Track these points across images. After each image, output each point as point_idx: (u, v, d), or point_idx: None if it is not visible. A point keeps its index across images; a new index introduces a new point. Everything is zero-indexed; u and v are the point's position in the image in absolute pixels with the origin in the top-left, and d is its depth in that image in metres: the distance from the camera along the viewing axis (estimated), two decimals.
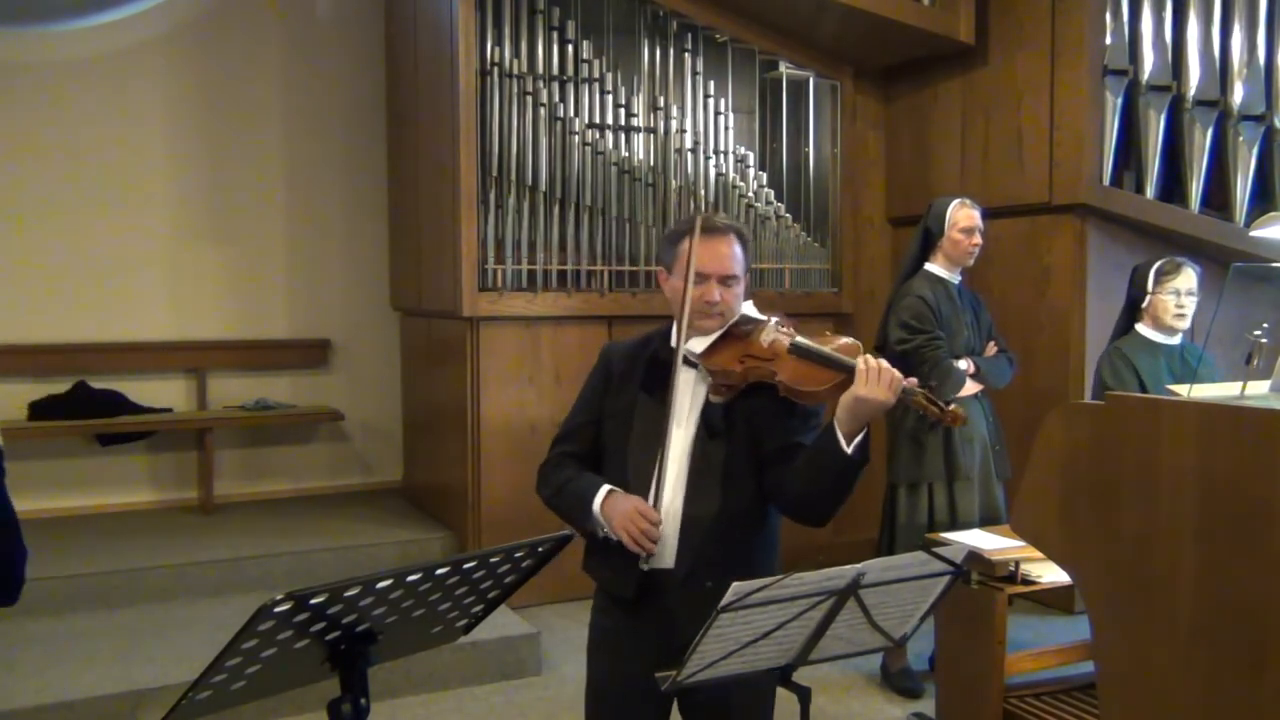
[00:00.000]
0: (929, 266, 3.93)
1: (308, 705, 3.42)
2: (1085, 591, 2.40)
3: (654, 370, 2.17)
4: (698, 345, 2.14)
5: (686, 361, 2.13)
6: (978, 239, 3.88)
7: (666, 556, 2.09)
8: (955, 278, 3.93)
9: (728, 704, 2.03)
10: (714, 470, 2.08)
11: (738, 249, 2.15)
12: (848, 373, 1.97)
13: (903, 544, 3.80)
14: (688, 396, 2.12)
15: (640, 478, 2.12)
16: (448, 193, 4.75)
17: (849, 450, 1.94)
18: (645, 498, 2.08)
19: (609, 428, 2.20)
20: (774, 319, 2.16)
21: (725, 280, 2.13)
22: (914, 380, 1.98)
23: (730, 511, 2.08)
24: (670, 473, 2.08)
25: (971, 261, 3.91)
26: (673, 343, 2.16)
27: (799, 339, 2.10)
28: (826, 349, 2.05)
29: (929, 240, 3.94)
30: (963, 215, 3.85)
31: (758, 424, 2.10)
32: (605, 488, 2.11)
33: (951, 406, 1.99)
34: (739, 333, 2.14)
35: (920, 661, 3.97)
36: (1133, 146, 4.84)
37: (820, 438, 1.99)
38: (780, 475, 2.07)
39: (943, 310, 3.81)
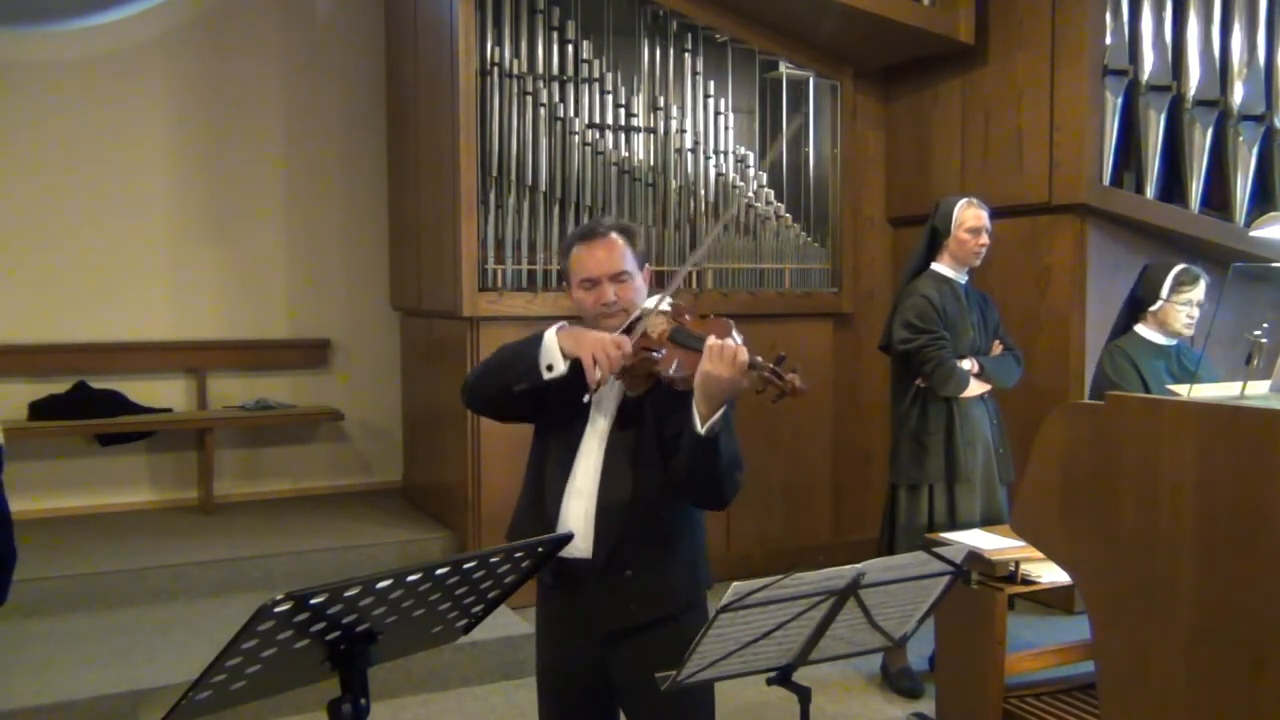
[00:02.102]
0: (935, 266, 3.93)
1: (308, 705, 3.42)
2: (1085, 592, 2.40)
3: (574, 370, 2.19)
4: None
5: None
6: (984, 239, 3.87)
7: (585, 545, 2.12)
8: (962, 277, 3.92)
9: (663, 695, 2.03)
10: (625, 457, 2.13)
11: (622, 247, 2.19)
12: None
13: (903, 544, 3.79)
14: (609, 389, 2.17)
15: (561, 470, 2.17)
16: (448, 193, 4.75)
17: (701, 430, 1.95)
18: (561, 488, 2.14)
19: (545, 419, 2.25)
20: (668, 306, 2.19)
21: (615, 278, 2.17)
22: (760, 357, 1.98)
23: (643, 497, 2.12)
24: (586, 465, 2.13)
25: (978, 261, 3.92)
26: None
27: (677, 326, 2.12)
28: (694, 332, 2.07)
29: (936, 240, 3.94)
30: (969, 215, 3.85)
31: (660, 412, 2.13)
32: (561, 321, 2.15)
33: (789, 377, 1.97)
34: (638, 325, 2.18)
35: (921, 662, 3.97)
36: (1133, 146, 4.84)
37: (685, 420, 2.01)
38: (670, 463, 2.11)
39: (948, 310, 3.81)
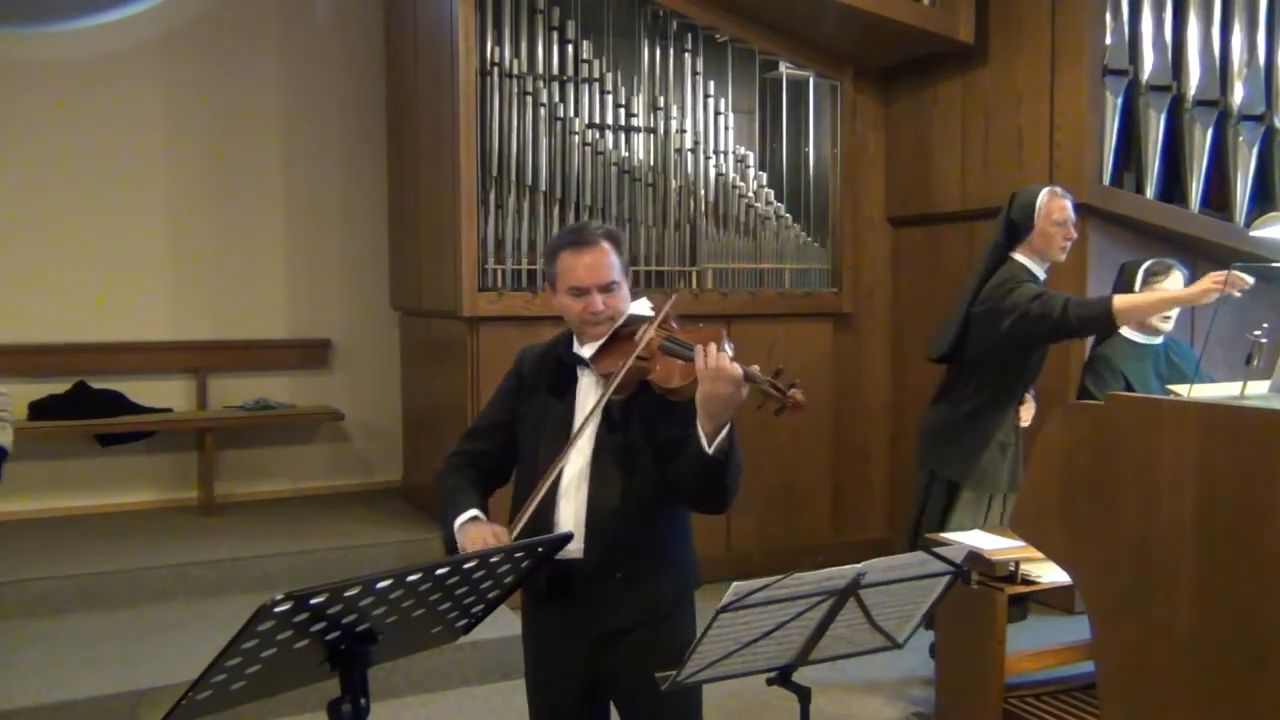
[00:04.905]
0: (1018, 257, 3.65)
1: (308, 705, 3.42)
2: (1085, 591, 2.40)
3: (559, 375, 2.24)
4: (588, 350, 2.19)
5: (581, 364, 2.20)
6: (1072, 231, 3.61)
7: (576, 546, 2.11)
8: (1042, 273, 3.68)
9: (655, 694, 1.98)
10: (614, 461, 2.13)
11: (612, 255, 2.18)
12: None
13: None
14: (591, 399, 2.17)
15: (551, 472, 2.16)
16: (448, 193, 4.75)
17: (709, 450, 1.96)
18: (553, 491, 2.12)
19: (522, 431, 2.26)
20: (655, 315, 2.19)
21: (605, 288, 2.16)
22: (757, 368, 1.96)
23: (633, 500, 2.12)
24: (575, 467, 2.13)
25: (1063, 256, 3.67)
26: (575, 347, 2.24)
27: (668, 336, 2.12)
28: (685, 341, 2.07)
29: (1014, 234, 3.66)
30: (1056, 206, 3.57)
31: (650, 419, 2.14)
32: (471, 513, 2.16)
33: (791, 392, 1.95)
34: (625, 333, 2.18)
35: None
36: (1133, 146, 4.83)
37: (690, 438, 2.00)
38: (669, 469, 2.10)
39: None
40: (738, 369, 1.92)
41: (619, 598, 2.12)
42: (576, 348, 2.24)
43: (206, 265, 5.69)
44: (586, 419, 2.12)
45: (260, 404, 5.61)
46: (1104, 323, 3.42)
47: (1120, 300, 3.38)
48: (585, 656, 2.18)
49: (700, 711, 2.24)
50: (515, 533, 2.06)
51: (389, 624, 1.55)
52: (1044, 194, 3.61)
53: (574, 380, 2.21)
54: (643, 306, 2.25)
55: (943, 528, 3.79)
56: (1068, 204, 3.62)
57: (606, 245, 2.17)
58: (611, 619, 2.13)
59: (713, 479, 2.00)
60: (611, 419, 2.15)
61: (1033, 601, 4.68)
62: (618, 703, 2.23)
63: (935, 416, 3.85)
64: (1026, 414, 3.82)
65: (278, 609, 1.35)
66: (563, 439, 2.14)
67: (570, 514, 2.13)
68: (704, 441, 1.96)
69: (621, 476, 2.12)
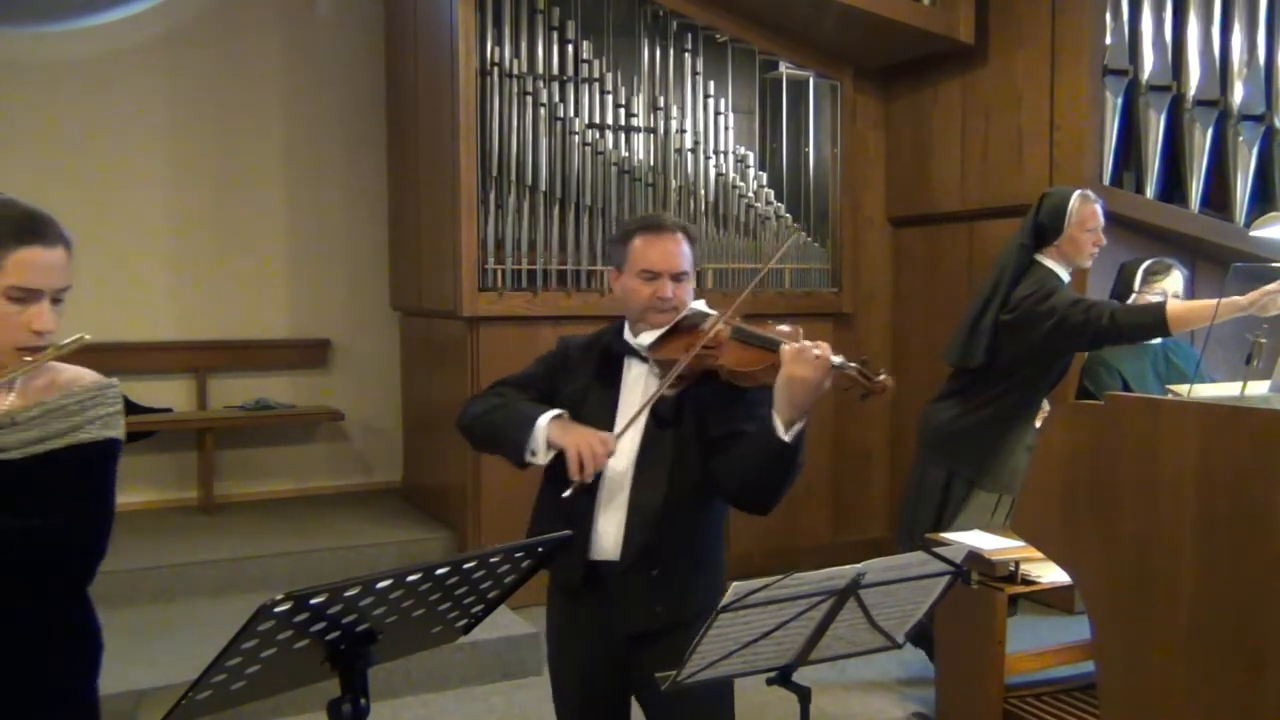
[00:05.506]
0: (1044, 260, 3.60)
1: (308, 705, 3.42)
2: (1085, 591, 2.40)
3: (606, 362, 2.22)
4: (647, 338, 2.18)
5: (637, 354, 2.18)
6: (1102, 238, 3.59)
7: (613, 547, 2.10)
8: (1067, 277, 3.64)
9: (685, 696, 2.02)
10: (662, 460, 2.11)
11: (685, 246, 2.20)
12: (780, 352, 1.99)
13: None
14: (639, 388, 2.16)
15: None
16: (448, 193, 4.76)
17: (786, 437, 1.94)
18: (593, 491, 2.11)
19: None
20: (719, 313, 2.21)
21: (676, 277, 2.17)
22: (843, 357, 1.96)
23: (676, 501, 2.10)
24: (620, 463, 2.11)
25: (1090, 263, 3.66)
26: (626, 337, 2.22)
27: (740, 324, 2.13)
28: (763, 331, 2.09)
29: (1042, 236, 3.59)
30: (1089, 212, 3.54)
31: (704, 413, 2.12)
32: (556, 410, 2.13)
33: (881, 377, 1.96)
34: (686, 325, 2.19)
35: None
36: (1133, 146, 4.83)
37: (761, 424, 2.00)
38: (722, 462, 2.09)
39: None
40: (828, 351, 1.92)
41: (652, 597, 2.10)
42: (629, 336, 2.21)
43: (207, 265, 5.69)
44: (640, 410, 2.09)
45: (260, 404, 5.61)
46: (1156, 332, 3.37)
47: (1174, 308, 3.32)
48: (614, 654, 2.15)
49: (732, 714, 2.21)
50: (616, 439, 2.06)
51: (389, 624, 1.55)
52: (1075, 198, 3.56)
53: (620, 371, 2.19)
54: (702, 305, 2.25)
55: (940, 514, 3.79)
56: (1099, 209, 3.59)
57: (681, 236, 2.19)
58: (643, 619, 2.11)
59: (779, 467, 1.99)
60: (661, 416, 2.12)
61: (1033, 601, 4.69)
62: (646, 706, 2.21)
63: (946, 417, 3.79)
64: (1038, 416, 3.82)
65: (278, 609, 1.35)
66: (605, 428, 2.11)
67: (612, 514, 2.11)
68: (780, 428, 1.94)
69: (667, 475, 2.10)
